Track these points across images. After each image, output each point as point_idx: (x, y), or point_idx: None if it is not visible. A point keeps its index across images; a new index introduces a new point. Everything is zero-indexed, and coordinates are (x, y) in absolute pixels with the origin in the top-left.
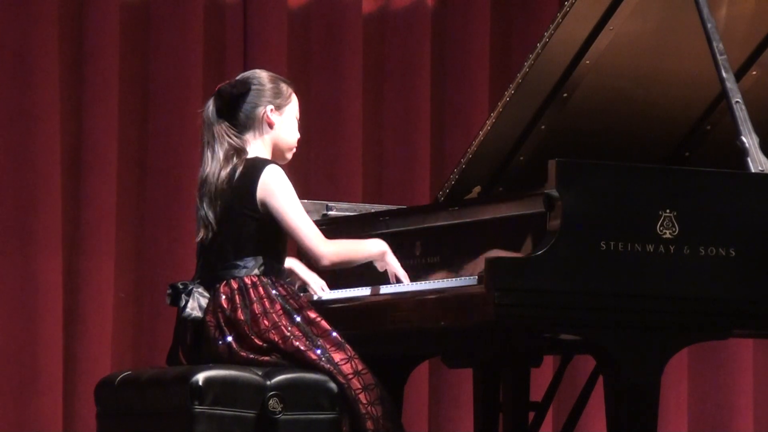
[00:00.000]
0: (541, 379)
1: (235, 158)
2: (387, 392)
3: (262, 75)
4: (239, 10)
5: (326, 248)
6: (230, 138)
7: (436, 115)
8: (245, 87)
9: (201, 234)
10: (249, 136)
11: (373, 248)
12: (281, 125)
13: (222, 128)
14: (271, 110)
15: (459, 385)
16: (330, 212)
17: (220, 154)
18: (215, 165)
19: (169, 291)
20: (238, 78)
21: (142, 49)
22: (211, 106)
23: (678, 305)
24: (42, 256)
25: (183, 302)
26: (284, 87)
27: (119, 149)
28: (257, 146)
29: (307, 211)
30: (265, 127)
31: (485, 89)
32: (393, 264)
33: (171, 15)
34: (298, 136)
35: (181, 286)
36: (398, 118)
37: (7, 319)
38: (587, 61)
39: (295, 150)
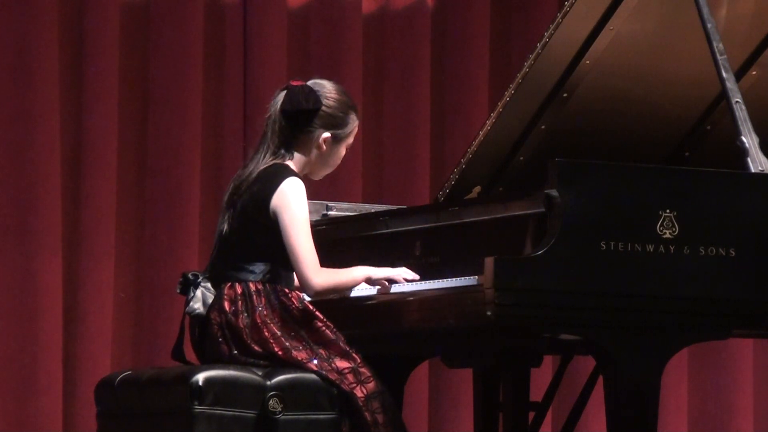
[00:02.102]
0: (541, 379)
1: (274, 162)
2: (391, 399)
3: (336, 100)
4: (239, 10)
5: (317, 279)
6: (282, 145)
7: (436, 115)
8: (316, 104)
9: (220, 226)
10: (295, 147)
11: (357, 275)
12: (330, 153)
13: (282, 132)
14: (326, 139)
15: (459, 385)
16: (330, 212)
17: (269, 156)
18: (256, 163)
19: (180, 279)
20: (314, 87)
21: (142, 49)
22: (279, 103)
23: (678, 305)
24: (42, 256)
25: (190, 295)
26: (351, 119)
27: (119, 149)
28: (296, 159)
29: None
30: (315, 149)
31: (485, 89)
32: (383, 276)
33: (171, 15)
34: (338, 164)
35: (191, 277)
36: (398, 118)
37: (7, 319)
38: (587, 61)
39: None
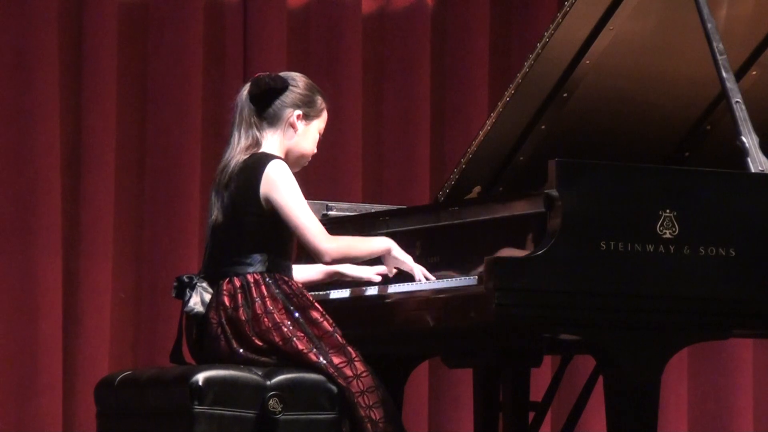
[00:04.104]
0: (541, 379)
1: (250, 150)
2: (388, 394)
3: (302, 80)
4: (239, 10)
5: (329, 245)
6: (253, 128)
7: (436, 115)
8: (283, 84)
9: (210, 223)
10: (269, 132)
11: (377, 245)
12: (303, 134)
13: (251, 115)
14: (299, 116)
15: (459, 385)
16: (330, 212)
17: (243, 142)
18: (236, 153)
19: (175, 283)
20: (279, 73)
21: (141, 49)
22: (245, 91)
23: (678, 305)
24: (42, 256)
25: (187, 296)
26: (319, 100)
27: (118, 149)
28: (272, 144)
29: None
30: (288, 129)
31: (485, 89)
32: (402, 259)
33: (171, 15)
34: (314, 150)
35: (186, 279)
36: (398, 118)
37: (7, 319)
38: (587, 61)
39: (306, 163)
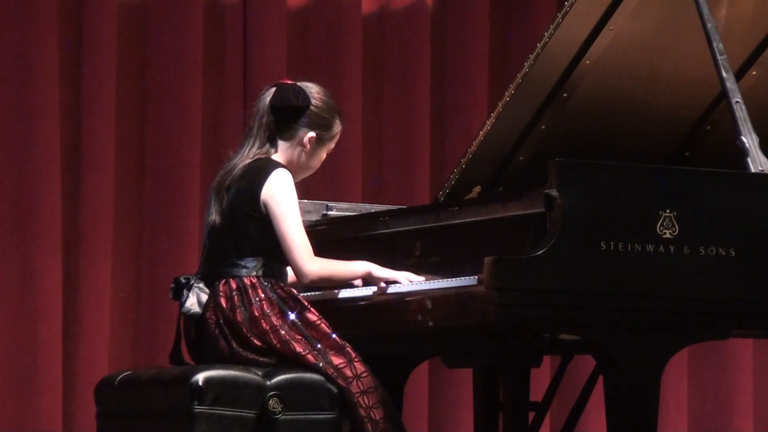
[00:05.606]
0: (541, 379)
1: (258, 157)
2: (388, 394)
3: (324, 102)
4: (239, 11)
5: (311, 266)
6: (268, 138)
7: (436, 115)
8: (305, 102)
9: (208, 223)
10: (280, 142)
11: (357, 269)
12: (312, 154)
13: (269, 125)
14: (311, 138)
15: (459, 385)
16: (330, 212)
17: (255, 150)
18: (243, 157)
19: (172, 285)
20: (303, 86)
21: (141, 49)
22: (268, 98)
23: (678, 305)
24: (41, 256)
25: (184, 297)
26: (336, 124)
27: (118, 149)
28: (279, 154)
29: (307, 212)
30: (298, 146)
31: (485, 89)
32: (385, 276)
33: (170, 15)
34: (317, 167)
35: (183, 280)
36: (398, 118)
37: (7, 319)
38: (587, 61)
39: (304, 176)
